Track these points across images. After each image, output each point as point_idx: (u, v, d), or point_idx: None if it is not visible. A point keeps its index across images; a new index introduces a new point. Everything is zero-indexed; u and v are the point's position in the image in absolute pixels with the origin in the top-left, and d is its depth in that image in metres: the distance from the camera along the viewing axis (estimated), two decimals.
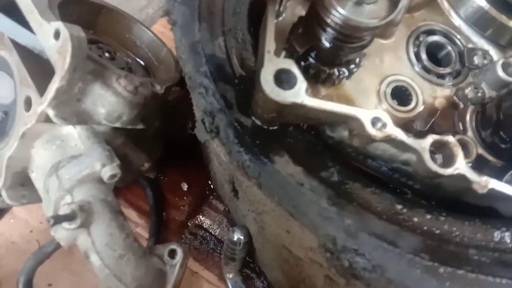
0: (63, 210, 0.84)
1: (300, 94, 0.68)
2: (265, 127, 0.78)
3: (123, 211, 1.33)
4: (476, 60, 0.91)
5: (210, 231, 1.33)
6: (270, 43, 0.71)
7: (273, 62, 0.69)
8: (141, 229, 1.31)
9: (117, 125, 0.93)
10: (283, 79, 0.69)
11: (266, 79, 0.67)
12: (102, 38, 1.17)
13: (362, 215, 0.71)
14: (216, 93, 0.79)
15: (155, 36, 1.23)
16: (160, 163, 1.31)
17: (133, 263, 0.88)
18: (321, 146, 0.81)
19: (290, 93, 0.68)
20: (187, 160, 1.38)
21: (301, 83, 0.68)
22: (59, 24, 0.81)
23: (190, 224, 1.34)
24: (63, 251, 1.07)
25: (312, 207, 0.70)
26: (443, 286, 0.65)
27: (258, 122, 0.78)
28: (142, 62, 1.23)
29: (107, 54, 1.08)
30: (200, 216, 1.35)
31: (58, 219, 0.79)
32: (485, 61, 0.91)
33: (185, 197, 1.38)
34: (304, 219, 0.70)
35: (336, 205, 0.71)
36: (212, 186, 1.38)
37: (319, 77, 0.82)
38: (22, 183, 1.01)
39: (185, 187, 1.39)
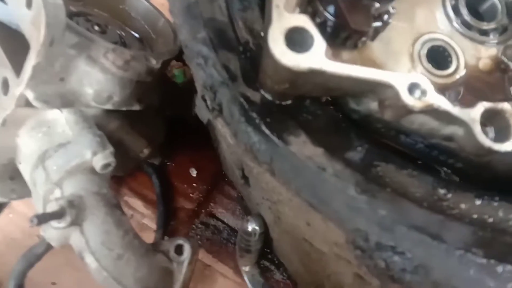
0: (51, 207, 0.74)
1: (318, 57, 0.55)
2: (277, 101, 0.66)
3: (128, 201, 1.25)
4: None
5: (223, 219, 1.22)
6: None
7: (284, 18, 0.55)
8: (148, 220, 1.22)
9: (109, 106, 0.82)
10: (296, 40, 0.56)
11: (276, 39, 0.54)
12: (93, 10, 1.05)
13: (398, 203, 0.58)
14: (217, 63, 0.67)
15: (152, 5, 1.11)
16: (166, 147, 1.21)
17: (134, 263, 0.78)
18: (345, 122, 0.68)
19: (306, 57, 0.54)
20: (195, 143, 1.27)
21: (320, 44, 0.55)
22: None
23: (200, 213, 1.24)
24: (66, 246, 0.99)
25: (337, 196, 0.58)
26: None
27: (268, 96, 0.66)
28: (137, 35, 1.11)
29: (96, 27, 0.96)
30: (212, 204, 1.25)
31: (43, 218, 0.69)
32: None
33: (194, 184, 1.27)
34: (328, 211, 0.58)
35: (366, 193, 0.58)
36: (223, 171, 1.27)
37: (339, 37, 0.68)
38: (11, 176, 0.92)
39: (194, 172, 1.28)
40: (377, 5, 0.60)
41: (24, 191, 0.93)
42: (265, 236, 0.99)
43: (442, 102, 0.56)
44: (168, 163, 1.29)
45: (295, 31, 0.56)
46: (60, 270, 1.16)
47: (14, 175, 0.91)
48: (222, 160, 1.19)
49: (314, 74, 0.56)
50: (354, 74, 0.55)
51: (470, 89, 0.75)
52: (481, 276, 0.54)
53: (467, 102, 0.63)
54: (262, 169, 0.63)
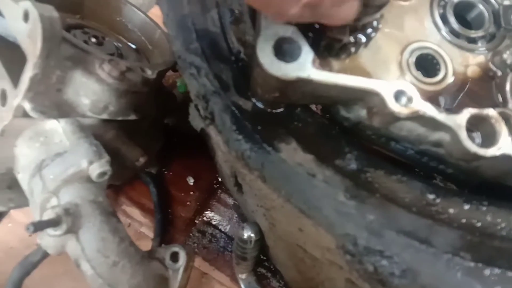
0: (47, 215, 0.75)
1: (305, 67, 0.56)
2: (268, 110, 0.67)
3: (126, 209, 1.26)
4: None
5: (219, 228, 1.23)
6: None
7: (272, 29, 0.57)
8: (146, 229, 1.23)
9: (105, 116, 0.84)
10: (285, 50, 0.58)
11: (264, 50, 0.56)
12: (90, 22, 1.07)
13: (387, 208, 0.59)
14: (209, 73, 0.69)
15: (148, 17, 1.13)
16: (163, 156, 1.22)
17: (129, 270, 0.78)
18: (335, 130, 0.69)
19: (294, 66, 0.56)
20: (192, 152, 1.29)
21: (307, 54, 0.57)
22: (27, 4, 0.71)
23: (197, 221, 1.25)
24: (64, 255, 1.00)
25: (327, 202, 0.58)
26: None
27: (259, 105, 0.67)
28: (134, 46, 1.12)
29: (93, 39, 0.98)
30: (208, 212, 1.25)
31: (39, 226, 0.70)
32: None
33: (191, 192, 1.28)
34: (317, 217, 0.59)
35: (355, 198, 0.59)
36: (220, 179, 1.28)
37: (332, 48, 0.70)
38: (9, 186, 0.93)
39: (191, 181, 1.29)
40: None
41: (22, 200, 0.93)
42: (261, 243, 1.00)
43: (428, 109, 0.58)
44: (165, 172, 1.30)
45: (283, 41, 0.57)
46: (58, 280, 1.16)
47: (12, 184, 0.92)
48: (219, 168, 1.20)
49: (302, 83, 0.57)
50: (341, 82, 0.57)
51: (465, 95, 0.76)
52: (468, 280, 0.54)
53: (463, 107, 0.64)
54: (254, 176, 0.64)
